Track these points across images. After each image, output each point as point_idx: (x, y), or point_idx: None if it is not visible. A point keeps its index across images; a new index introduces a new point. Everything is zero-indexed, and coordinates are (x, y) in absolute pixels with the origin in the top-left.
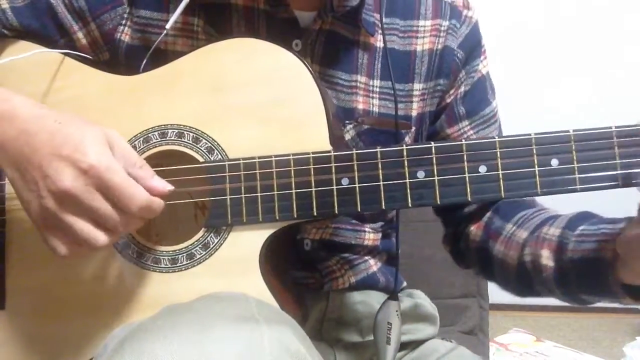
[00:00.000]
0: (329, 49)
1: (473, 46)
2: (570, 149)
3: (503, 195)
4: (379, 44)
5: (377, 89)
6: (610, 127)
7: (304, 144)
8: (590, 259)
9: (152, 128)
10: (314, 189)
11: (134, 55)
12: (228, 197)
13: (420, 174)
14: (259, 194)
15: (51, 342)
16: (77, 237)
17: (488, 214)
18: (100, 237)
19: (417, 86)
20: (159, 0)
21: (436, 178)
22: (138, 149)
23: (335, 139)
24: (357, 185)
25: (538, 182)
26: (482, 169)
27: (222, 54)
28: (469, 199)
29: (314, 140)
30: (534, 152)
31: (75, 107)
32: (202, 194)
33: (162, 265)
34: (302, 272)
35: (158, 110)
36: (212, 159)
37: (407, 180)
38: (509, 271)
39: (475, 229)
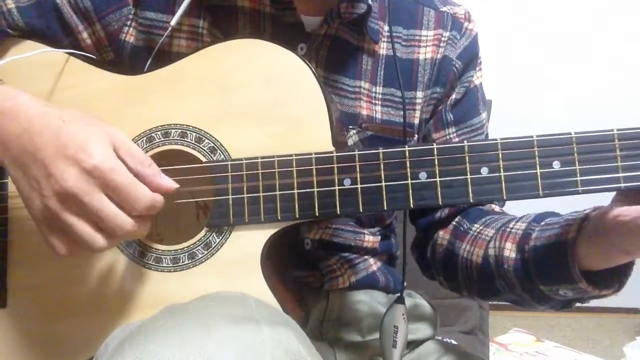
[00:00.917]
0: (334, 54)
1: (471, 58)
2: (572, 151)
3: (504, 197)
4: (382, 51)
5: (380, 96)
6: (612, 130)
7: (306, 144)
8: (552, 242)
9: (155, 128)
10: (316, 190)
11: (138, 56)
12: (230, 197)
13: (422, 175)
14: (261, 194)
15: (52, 341)
16: (77, 238)
17: (457, 219)
18: (99, 239)
19: (420, 94)
20: (165, 1)
21: (438, 179)
22: (141, 149)
23: (338, 144)
24: (359, 185)
25: (540, 184)
26: (484, 171)
27: (226, 55)
28: (471, 200)
29: (317, 141)
30: (536, 154)
31: (79, 107)
32: (205, 194)
33: (164, 265)
34: (303, 271)
35: (161, 110)
36: (214, 159)
37: (409, 181)
38: (472, 269)
39: (443, 234)
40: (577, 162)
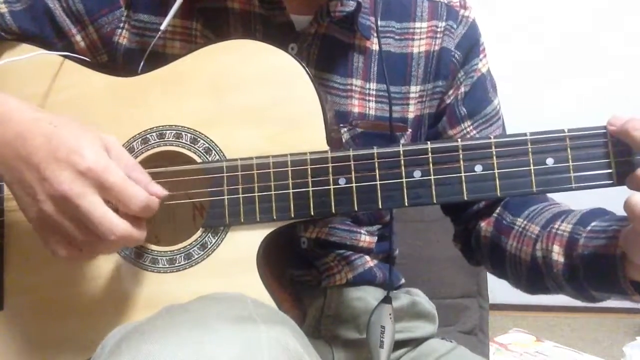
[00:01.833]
0: (325, 52)
1: (471, 46)
2: (565, 147)
3: (499, 194)
4: (375, 47)
5: (374, 92)
6: (604, 126)
7: (301, 144)
8: (600, 255)
9: (150, 129)
10: (311, 189)
11: (132, 58)
12: (226, 197)
13: (417, 174)
14: (256, 194)
15: (50, 343)
16: (72, 240)
17: (497, 210)
18: (96, 242)
19: (414, 88)
20: (157, 4)
21: (432, 177)
22: (136, 150)
23: (334, 141)
24: (354, 185)
25: (533, 181)
26: (478, 168)
27: (220, 55)
28: (465, 198)
29: (311, 141)
30: (529, 151)
31: (74, 109)
32: (200, 195)
33: (160, 266)
34: (300, 269)
35: (156, 111)
36: (209, 159)
37: (404, 180)
38: (521, 267)
39: (485, 225)
40: (570, 159)
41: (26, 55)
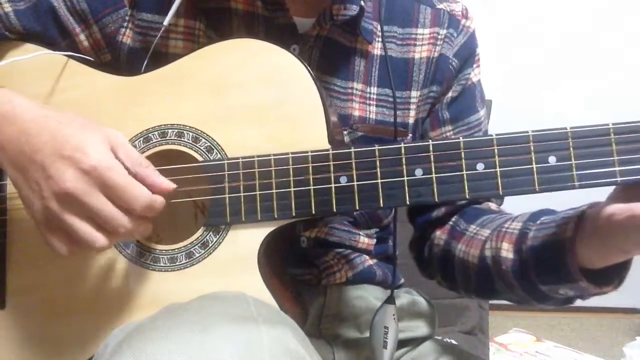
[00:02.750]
0: (326, 55)
1: (468, 55)
2: (567, 146)
3: (501, 193)
4: (377, 51)
5: (374, 96)
6: (608, 124)
7: (302, 143)
8: (550, 242)
9: (152, 128)
10: (312, 188)
11: (135, 58)
12: (227, 195)
13: (418, 172)
14: (257, 193)
15: (51, 342)
16: (77, 238)
17: (454, 218)
18: (99, 239)
19: (415, 94)
20: (161, 3)
21: (434, 176)
22: (138, 149)
23: (337, 143)
24: (355, 183)
25: (536, 180)
26: (480, 167)
27: (222, 55)
28: (467, 197)
29: (313, 139)
30: (532, 149)
31: (77, 108)
32: (201, 193)
33: (161, 264)
34: (300, 268)
35: (158, 110)
36: (211, 158)
37: (405, 178)
38: (470, 270)
39: (440, 233)
40: (573, 157)
41: (30, 55)
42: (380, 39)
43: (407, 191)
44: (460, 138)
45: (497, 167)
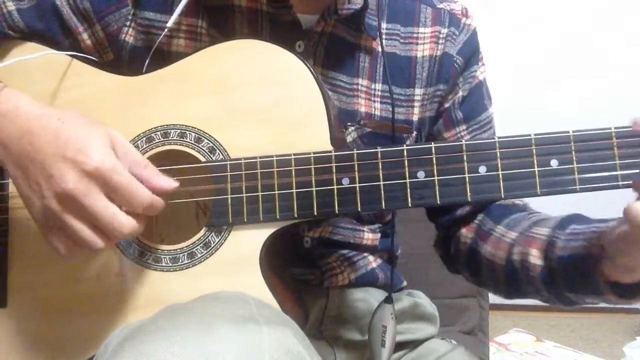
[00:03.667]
0: (331, 51)
1: (471, 53)
2: (569, 149)
3: (502, 196)
4: (381, 48)
5: (379, 93)
6: (610, 128)
7: (305, 144)
8: (578, 256)
9: (155, 128)
10: (314, 189)
11: (137, 56)
12: (229, 196)
13: (421, 174)
14: (259, 194)
15: (52, 341)
16: (77, 239)
17: (479, 217)
18: (98, 240)
19: (418, 91)
20: (164, 2)
21: (436, 178)
22: (141, 149)
23: (337, 140)
24: (357, 185)
25: (538, 183)
26: (482, 169)
27: (225, 55)
28: (469, 199)
29: (315, 140)
30: (534, 152)
31: (80, 108)
32: (204, 194)
33: (163, 264)
34: (302, 269)
35: (161, 110)
36: (213, 159)
37: (407, 180)
38: (497, 272)
39: (465, 232)
40: (574, 161)
41: (34, 55)
42: (384, 36)
43: (409, 193)
44: (463, 141)
45: (500, 170)
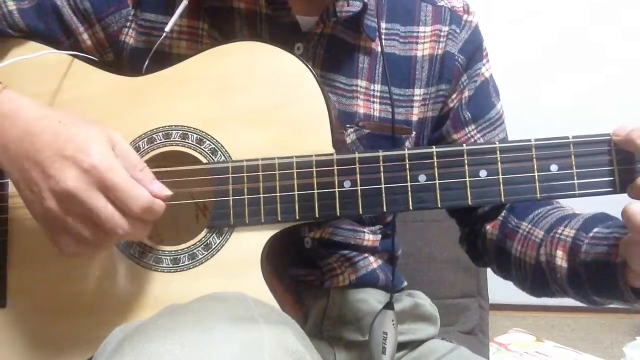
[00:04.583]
0: (330, 53)
1: (474, 50)
2: (569, 154)
3: (503, 200)
4: (380, 49)
5: (378, 94)
6: (609, 134)
7: (306, 146)
8: (601, 263)
9: (156, 129)
10: (316, 191)
11: (137, 57)
12: (231, 198)
13: (422, 178)
14: (261, 196)
15: (52, 341)
16: (79, 237)
17: (503, 213)
18: (99, 239)
19: (418, 91)
20: (164, 3)
21: (437, 182)
22: (142, 150)
23: (337, 142)
24: (358, 188)
25: (537, 187)
26: (483, 173)
27: (227, 57)
28: (469, 203)
29: (317, 143)
30: (534, 157)
31: (80, 108)
32: (205, 195)
33: (164, 265)
34: (303, 269)
35: (162, 111)
36: (215, 160)
37: (409, 184)
38: (526, 270)
39: (491, 228)
40: (574, 165)
41: (34, 54)
42: (383, 37)
43: (410, 196)
44: (464, 145)
45: (500, 174)
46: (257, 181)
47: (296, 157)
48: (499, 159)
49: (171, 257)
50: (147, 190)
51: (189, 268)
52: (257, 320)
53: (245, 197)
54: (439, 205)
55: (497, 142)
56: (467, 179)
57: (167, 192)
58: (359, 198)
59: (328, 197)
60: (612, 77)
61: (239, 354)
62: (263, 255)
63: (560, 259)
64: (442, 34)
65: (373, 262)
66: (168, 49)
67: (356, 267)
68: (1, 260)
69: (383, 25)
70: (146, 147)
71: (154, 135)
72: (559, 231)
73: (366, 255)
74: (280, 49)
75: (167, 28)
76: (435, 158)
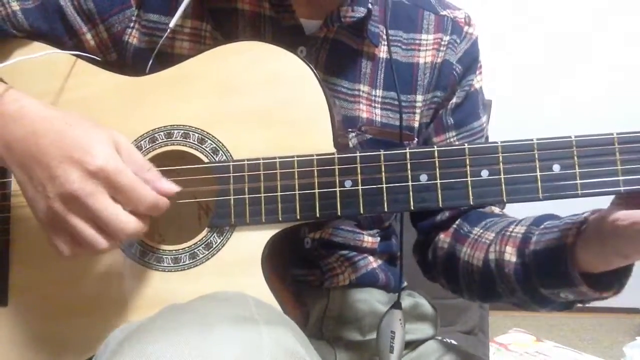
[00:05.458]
0: (333, 57)
1: (471, 62)
2: (572, 154)
3: (505, 200)
4: (383, 54)
5: (380, 99)
6: (612, 134)
7: (308, 146)
8: (551, 247)
9: (158, 128)
10: (317, 191)
11: (141, 58)
12: (232, 197)
13: (423, 177)
14: (262, 195)
15: (53, 340)
16: (81, 239)
17: (457, 222)
18: (102, 241)
19: (420, 97)
20: (167, 4)
21: (439, 181)
22: (144, 149)
23: (340, 145)
24: (360, 187)
25: (540, 187)
26: (484, 173)
27: (229, 57)
28: (471, 203)
29: (318, 143)
30: (536, 157)
31: (83, 108)
32: (206, 194)
33: (165, 265)
34: (303, 269)
35: (164, 110)
36: (216, 159)
37: (410, 183)
38: (473, 274)
39: (443, 237)
40: (577, 166)
41: (38, 54)
42: (386, 43)
43: (411, 196)
44: (466, 145)
45: (502, 174)
46: (258, 180)
47: (297, 156)
48: (500, 158)
49: (172, 257)
50: (156, 188)
51: (190, 267)
52: (257, 321)
53: (246, 196)
54: (441, 205)
55: (498, 142)
56: (469, 178)
57: (176, 188)
58: (360, 197)
59: (329, 196)
60: (615, 83)
61: (239, 355)
62: (264, 255)
63: (510, 254)
64: (443, 42)
65: (373, 262)
66: (171, 49)
67: (356, 266)
68: (3, 259)
69: (388, 32)
70: (148, 146)
71: (155, 135)
72: (510, 229)
73: (366, 255)
74: (282, 49)
75: (172, 24)
76: (436, 157)
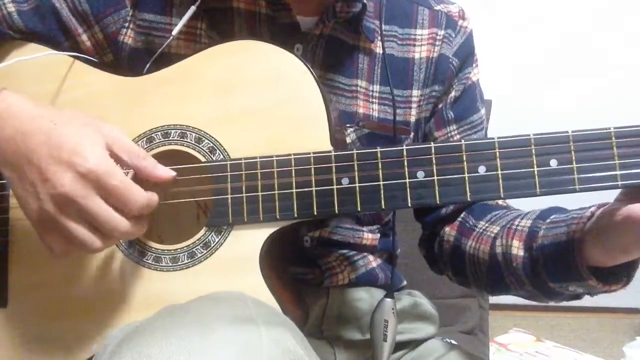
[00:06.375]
0: (330, 53)
1: (466, 55)
2: (569, 149)
3: (502, 196)
4: (379, 50)
5: (377, 94)
6: (609, 128)
7: (305, 144)
8: (560, 241)
9: (155, 128)
10: (314, 189)
11: (137, 58)
12: (229, 196)
13: (420, 174)
14: (259, 194)
15: (52, 340)
16: (73, 240)
17: (462, 215)
18: (95, 241)
19: (416, 92)
20: (163, 4)
21: (436, 178)
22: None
23: (337, 142)
24: (357, 185)
25: (537, 183)
26: (482, 169)
27: (226, 56)
28: (468, 199)
29: (315, 141)
30: (533, 152)
31: (79, 108)
32: (204, 194)
33: (163, 264)
34: (302, 268)
35: (161, 110)
36: (214, 159)
37: (407, 180)
38: (480, 266)
39: (449, 230)
40: (574, 161)
41: (34, 55)
42: (381, 38)
43: (408, 193)
44: (462, 141)
45: (499, 170)
46: (255, 179)
47: (294, 154)
48: (497, 154)
49: (170, 256)
50: (153, 175)
51: (188, 267)
52: (255, 321)
53: (244, 195)
54: (438, 202)
55: (495, 138)
56: (466, 175)
57: (172, 172)
58: (358, 195)
59: (326, 194)
60: (615, 82)
61: (237, 355)
62: (262, 254)
63: (517, 248)
64: (438, 37)
65: (372, 261)
66: (167, 49)
67: (355, 266)
68: (2, 260)
69: (383, 27)
70: (145, 146)
71: (152, 135)
72: (515, 223)
73: (365, 254)
74: (278, 48)
75: (175, 32)
76: (433, 154)
